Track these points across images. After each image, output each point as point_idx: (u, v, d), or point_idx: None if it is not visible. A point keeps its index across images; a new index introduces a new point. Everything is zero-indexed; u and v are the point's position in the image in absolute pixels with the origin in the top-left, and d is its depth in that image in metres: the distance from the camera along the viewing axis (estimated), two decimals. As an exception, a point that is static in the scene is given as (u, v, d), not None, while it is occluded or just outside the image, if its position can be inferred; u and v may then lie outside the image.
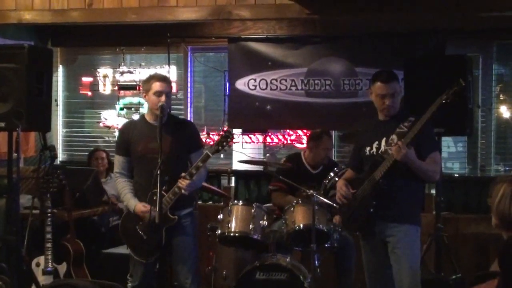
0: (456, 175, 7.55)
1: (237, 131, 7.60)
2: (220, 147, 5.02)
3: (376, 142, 4.84)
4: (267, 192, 6.75)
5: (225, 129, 5.23)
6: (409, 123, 4.69)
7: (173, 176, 4.95)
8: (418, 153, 4.67)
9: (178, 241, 5.10)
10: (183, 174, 4.94)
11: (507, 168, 7.53)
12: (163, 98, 5.03)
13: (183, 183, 4.91)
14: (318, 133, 6.44)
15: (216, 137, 5.27)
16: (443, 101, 4.57)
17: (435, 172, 4.84)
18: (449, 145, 7.53)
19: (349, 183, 5.03)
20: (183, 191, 4.92)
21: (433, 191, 7.09)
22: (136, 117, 7.65)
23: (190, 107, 8.06)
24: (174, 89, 7.96)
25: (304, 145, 7.35)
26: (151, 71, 7.83)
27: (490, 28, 7.05)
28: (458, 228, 7.02)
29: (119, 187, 5.22)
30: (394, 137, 4.72)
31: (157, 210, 4.73)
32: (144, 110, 7.20)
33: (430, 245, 6.21)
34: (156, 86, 5.06)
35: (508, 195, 3.21)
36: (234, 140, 7.58)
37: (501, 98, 7.53)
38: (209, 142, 7.47)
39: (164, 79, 5.16)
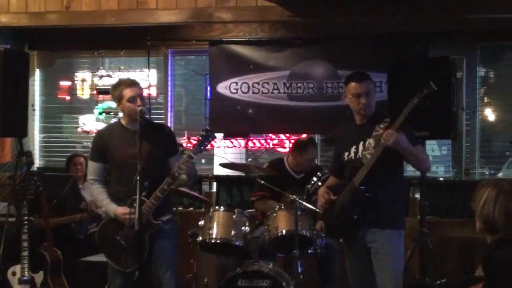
0: (441, 178, 7.56)
1: (218, 136, 7.59)
2: (202, 147, 5.01)
3: (354, 147, 4.85)
4: (250, 202, 6.73)
5: (205, 128, 5.17)
6: (385, 124, 4.69)
7: (152, 182, 4.93)
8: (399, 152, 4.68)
9: (160, 247, 5.07)
10: (188, 153, 4.91)
11: (492, 172, 7.56)
12: (138, 102, 5.00)
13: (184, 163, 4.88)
14: (303, 143, 6.44)
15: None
16: (415, 105, 4.57)
17: (427, 160, 4.88)
18: (434, 149, 7.55)
19: (331, 190, 5.04)
20: (182, 171, 4.87)
21: (417, 195, 7.11)
22: (114, 121, 7.61)
23: (171, 111, 8.03)
24: (154, 93, 7.96)
25: (287, 149, 7.35)
26: (131, 75, 7.81)
27: (474, 30, 7.07)
28: (442, 233, 7.03)
29: (95, 193, 5.17)
30: (371, 141, 4.74)
31: (136, 216, 4.70)
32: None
33: (414, 250, 6.22)
34: (128, 92, 5.03)
35: (492, 199, 3.22)
36: (215, 145, 7.62)
37: (486, 101, 7.56)
38: (189, 147, 7.42)
39: (133, 83, 5.14)
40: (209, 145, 5.17)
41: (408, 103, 4.60)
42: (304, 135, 7.11)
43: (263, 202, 6.34)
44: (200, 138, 5.03)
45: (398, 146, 4.58)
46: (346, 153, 4.90)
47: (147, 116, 5.52)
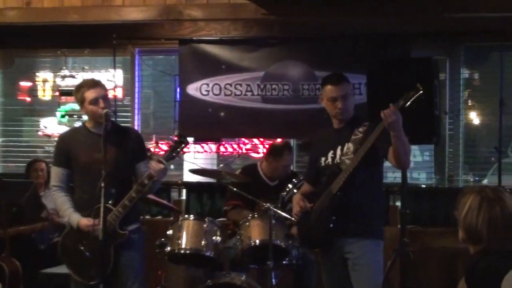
0: (423, 186, 7.60)
1: (188, 140, 7.55)
2: (174, 154, 4.99)
3: (331, 152, 4.84)
4: (222, 212, 6.72)
5: (178, 133, 5.16)
6: (364, 128, 4.69)
7: (120, 189, 4.90)
8: (381, 151, 4.63)
9: (126, 258, 5.02)
10: (157, 158, 4.90)
11: (476, 178, 7.60)
12: (101, 103, 4.96)
13: (156, 166, 4.85)
14: (279, 148, 6.42)
15: (165, 147, 5.22)
16: (400, 107, 4.52)
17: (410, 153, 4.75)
18: (415, 154, 7.57)
19: (306, 197, 5.01)
20: (153, 172, 4.84)
21: (398, 203, 7.13)
22: (78, 125, 7.56)
23: (138, 114, 8.00)
24: (120, 95, 7.92)
25: (261, 155, 7.35)
26: (95, 75, 7.77)
27: (458, 30, 7.11)
28: (424, 242, 7.05)
29: (58, 202, 5.11)
30: (350, 145, 4.73)
31: (100, 225, 4.67)
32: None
33: (394, 261, 6.22)
34: (90, 94, 4.98)
35: (475, 207, 3.21)
36: (185, 149, 7.59)
37: (470, 104, 7.60)
38: (158, 152, 7.41)
39: (95, 84, 5.08)
40: (181, 152, 5.15)
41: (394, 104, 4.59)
42: (279, 140, 7.12)
43: (237, 212, 6.30)
44: (173, 144, 5.01)
45: (396, 126, 4.40)
46: (323, 158, 4.88)
47: (113, 119, 5.49)
